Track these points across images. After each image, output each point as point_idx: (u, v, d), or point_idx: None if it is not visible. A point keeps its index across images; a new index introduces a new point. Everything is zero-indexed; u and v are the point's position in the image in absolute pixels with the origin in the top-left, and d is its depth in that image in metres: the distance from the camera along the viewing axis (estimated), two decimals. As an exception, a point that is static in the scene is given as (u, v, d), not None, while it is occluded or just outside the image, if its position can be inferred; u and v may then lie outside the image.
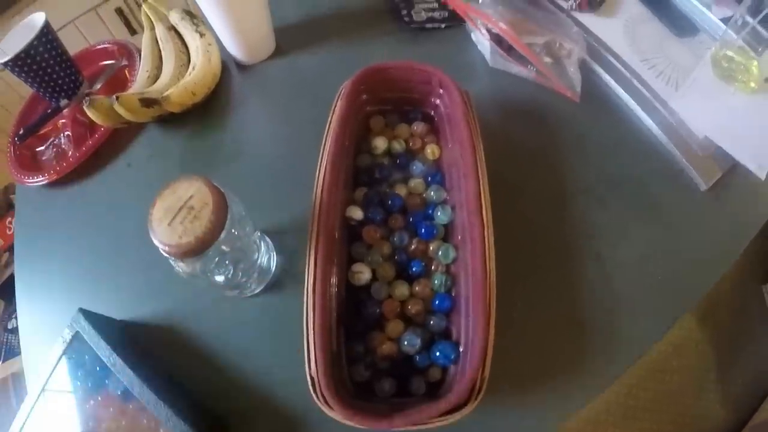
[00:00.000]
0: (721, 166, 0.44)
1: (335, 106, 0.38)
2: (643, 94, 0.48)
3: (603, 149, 0.45)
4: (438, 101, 0.41)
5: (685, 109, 0.47)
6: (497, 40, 0.47)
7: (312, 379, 0.29)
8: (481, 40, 0.47)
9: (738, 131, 0.46)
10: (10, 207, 1.05)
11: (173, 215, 0.31)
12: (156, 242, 0.31)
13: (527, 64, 0.47)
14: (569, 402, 0.35)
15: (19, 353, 0.95)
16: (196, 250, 0.30)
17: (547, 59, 0.47)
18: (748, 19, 0.45)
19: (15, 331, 0.96)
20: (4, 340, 0.96)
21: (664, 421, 0.67)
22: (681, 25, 0.53)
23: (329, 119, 0.37)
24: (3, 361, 0.95)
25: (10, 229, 1.01)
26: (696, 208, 0.43)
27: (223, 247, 0.33)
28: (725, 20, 0.52)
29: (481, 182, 0.34)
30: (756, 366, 0.68)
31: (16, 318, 0.80)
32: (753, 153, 0.44)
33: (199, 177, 0.32)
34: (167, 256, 0.32)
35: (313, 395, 0.29)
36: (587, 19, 0.52)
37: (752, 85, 0.47)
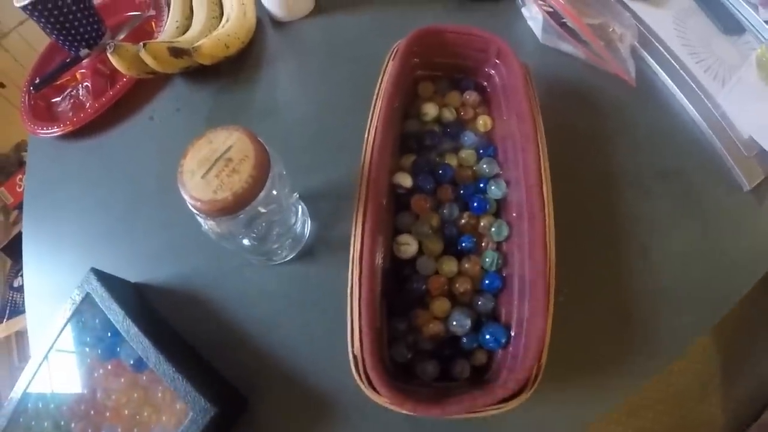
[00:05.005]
0: (764, 168, 0.41)
1: (386, 66, 0.33)
2: (691, 86, 0.44)
3: (651, 139, 0.41)
4: (493, 71, 0.36)
5: (731, 108, 0.44)
6: (551, 15, 0.42)
7: (355, 357, 0.25)
8: (533, 15, 0.42)
9: (782, 135, 0.42)
10: (21, 164, 0.99)
11: (208, 167, 0.26)
12: (186, 197, 0.26)
13: (580, 42, 0.42)
14: (609, 394, 0.32)
15: (23, 311, 0.89)
16: (233, 207, 0.25)
17: (600, 42, 0.43)
18: (794, 26, 0.42)
19: (21, 289, 0.90)
20: (9, 297, 0.90)
21: (665, 422, 0.64)
22: (728, 24, 0.49)
23: (380, 79, 0.32)
24: (7, 319, 0.89)
25: (20, 186, 0.94)
26: (738, 208, 0.39)
27: (260, 209, 0.28)
28: (772, 24, 0.48)
29: (541, 157, 0.30)
30: (760, 374, 0.65)
31: (22, 276, 0.75)
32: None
33: (238, 127, 0.27)
34: (196, 213, 0.27)
35: (356, 376, 0.25)
36: (638, 6, 0.48)
37: (796, 92, 0.43)
